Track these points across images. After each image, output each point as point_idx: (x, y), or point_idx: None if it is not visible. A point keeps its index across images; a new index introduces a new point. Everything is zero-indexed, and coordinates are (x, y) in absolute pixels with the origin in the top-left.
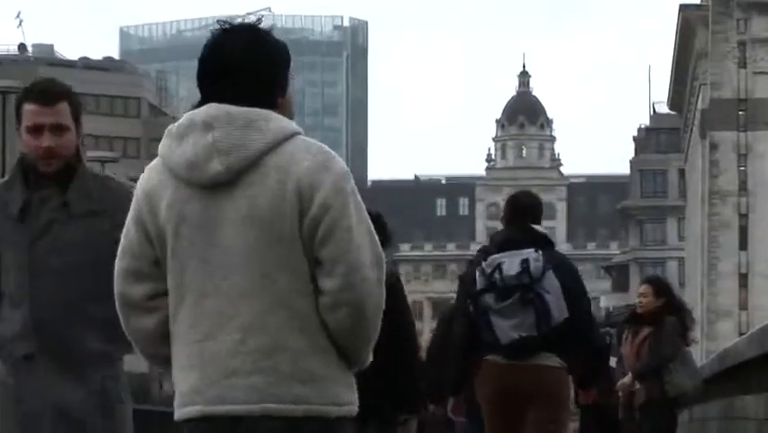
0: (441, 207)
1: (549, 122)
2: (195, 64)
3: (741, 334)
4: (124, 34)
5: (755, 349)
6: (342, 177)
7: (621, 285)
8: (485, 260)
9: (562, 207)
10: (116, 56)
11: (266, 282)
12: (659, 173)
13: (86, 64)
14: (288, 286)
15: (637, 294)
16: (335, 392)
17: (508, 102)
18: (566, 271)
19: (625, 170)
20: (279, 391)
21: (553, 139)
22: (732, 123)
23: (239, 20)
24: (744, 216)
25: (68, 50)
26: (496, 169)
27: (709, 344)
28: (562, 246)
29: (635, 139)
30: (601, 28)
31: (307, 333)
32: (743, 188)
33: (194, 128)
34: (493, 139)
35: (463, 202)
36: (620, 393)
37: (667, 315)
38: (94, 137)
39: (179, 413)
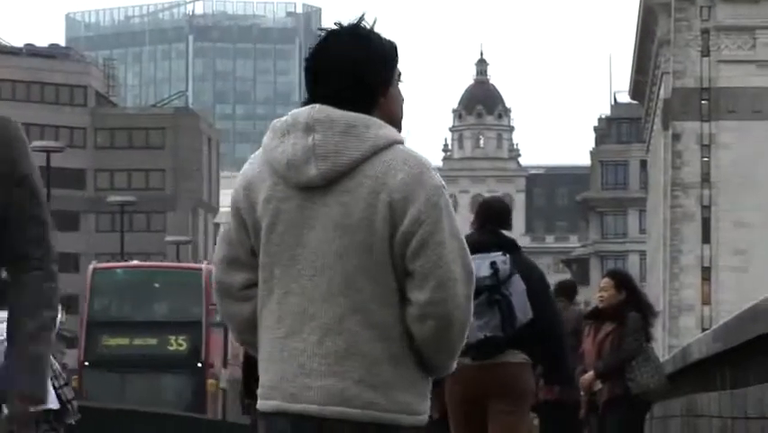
0: None
1: (507, 111)
2: (143, 51)
3: (704, 329)
4: (71, 20)
5: (719, 345)
6: (436, 191)
7: (581, 279)
8: None
9: (520, 199)
10: (62, 43)
11: (348, 288)
12: (620, 164)
13: (31, 51)
14: (370, 294)
15: (598, 288)
16: (407, 401)
17: (466, 91)
18: (533, 275)
19: (585, 161)
20: (350, 396)
21: (511, 129)
22: (695, 112)
23: (189, 5)
24: (707, 208)
25: (13, 37)
26: (452, 159)
27: (671, 339)
28: (521, 239)
29: (595, 129)
30: (561, 16)
31: (384, 341)
32: (706, 179)
33: (296, 128)
34: (450, 129)
35: None
36: (582, 392)
37: (629, 310)
38: (39, 126)
39: (260, 405)
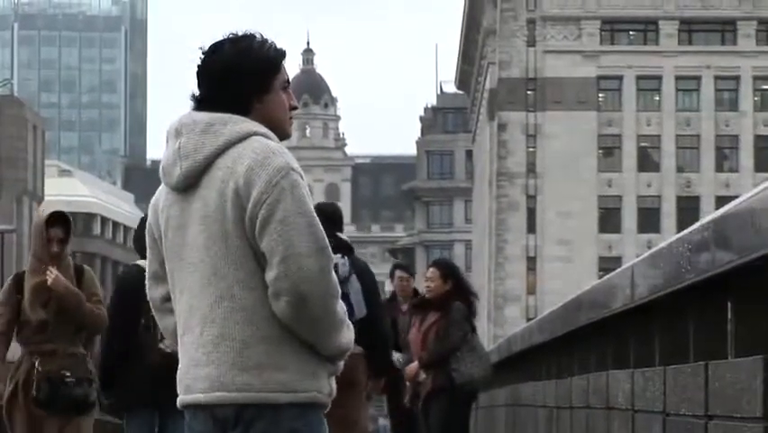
0: None
1: (333, 101)
2: None
3: (529, 319)
4: None
5: (544, 335)
6: (278, 172)
7: None
8: None
9: (346, 189)
10: None
11: (215, 277)
12: (446, 154)
13: None
14: (234, 279)
15: (424, 278)
16: (282, 380)
17: (292, 80)
18: (366, 276)
19: (411, 150)
20: (226, 381)
21: (337, 118)
22: (521, 103)
23: None
24: (532, 198)
25: None
26: None
27: (497, 329)
28: (346, 228)
29: (421, 119)
30: (387, 4)
31: (252, 324)
32: (531, 169)
33: (170, 135)
34: None
35: None
36: (407, 382)
37: (454, 300)
38: None
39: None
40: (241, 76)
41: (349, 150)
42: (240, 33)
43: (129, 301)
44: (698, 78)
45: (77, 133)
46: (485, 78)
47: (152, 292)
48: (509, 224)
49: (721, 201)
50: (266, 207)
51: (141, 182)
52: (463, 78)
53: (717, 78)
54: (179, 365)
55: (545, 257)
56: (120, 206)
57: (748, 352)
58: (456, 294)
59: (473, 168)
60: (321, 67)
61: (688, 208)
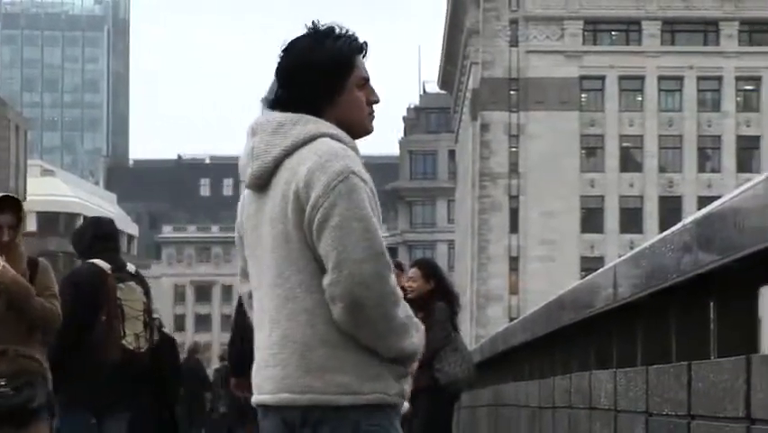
0: (204, 187)
1: None
2: None
3: (511, 319)
4: None
5: (527, 335)
6: (337, 176)
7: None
8: None
9: None
10: None
11: (280, 278)
12: (429, 154)
13: None
14: (297, 282)
15: (406, 278)
16: (344, 382)
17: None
18: None
19: (394, 150)
20: (290, 382)
21: None
22: (503, 103)
23: None
24: (514, 198)
25: None
26: None
27: (479, 329)
28: None
29: (404, 119)
30: (370, 4)
31: (314, 326)
32: (514, 169)
33: (248, 134)
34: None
35: (228, 183)
36: None
37: (437, 300)
38: None
39: None
40: (311, 75)
41: None
42: (316, 27)
43: (85, 297)
44: (680, 79)
45: (60, 132)
46: (468, 78)
47: (241, 288)
48: (492, 224)
49: (703, 201)
50: (322, 211)
51: (124, 182)
52: (446, 78)
53: (699, 78)
54: (254, 364)
55: (528, 257)
56: (102, 205)
57: (731, 352)
58: (439, 294)
59: (456, 168)
60: None
61: (670, 209)
